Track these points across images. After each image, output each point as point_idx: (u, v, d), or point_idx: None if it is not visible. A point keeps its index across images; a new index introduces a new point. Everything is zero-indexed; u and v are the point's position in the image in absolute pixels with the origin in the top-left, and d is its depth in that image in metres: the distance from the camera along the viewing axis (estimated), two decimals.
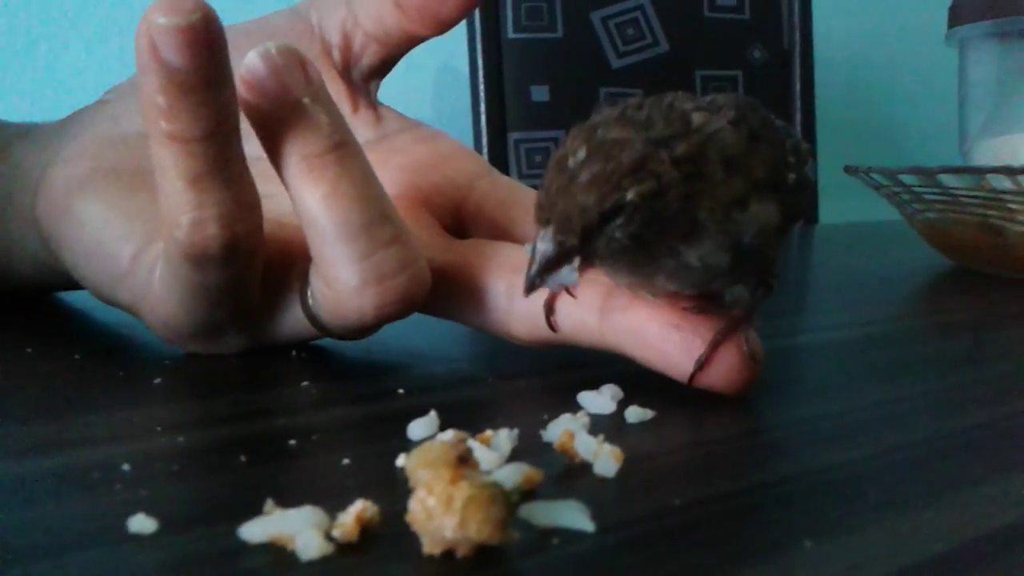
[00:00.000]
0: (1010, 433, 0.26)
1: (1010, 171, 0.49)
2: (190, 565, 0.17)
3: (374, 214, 0.27)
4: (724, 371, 0.26)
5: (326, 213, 0.27)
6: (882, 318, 0.47)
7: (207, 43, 0.25)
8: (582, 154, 0.23)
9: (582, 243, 0.23)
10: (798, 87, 1.32)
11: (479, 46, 1.15)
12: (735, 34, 1.29)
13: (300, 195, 0.27)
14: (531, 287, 0.24)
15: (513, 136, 1.17)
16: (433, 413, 0.25)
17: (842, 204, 1.24)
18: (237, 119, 0.27)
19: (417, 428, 0.24)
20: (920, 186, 0.57)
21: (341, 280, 0.28)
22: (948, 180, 0.54)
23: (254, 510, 0.18)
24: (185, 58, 0.25)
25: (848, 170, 0.61)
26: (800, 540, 0.18)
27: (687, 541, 0.18)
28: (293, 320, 0.32)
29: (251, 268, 0.30)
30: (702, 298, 0.27)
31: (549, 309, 0.29)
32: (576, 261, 0.24)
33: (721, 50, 1.28)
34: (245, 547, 0.17)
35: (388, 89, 0.37)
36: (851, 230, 1.03)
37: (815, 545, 0.18)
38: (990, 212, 0.52)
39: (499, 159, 1.14)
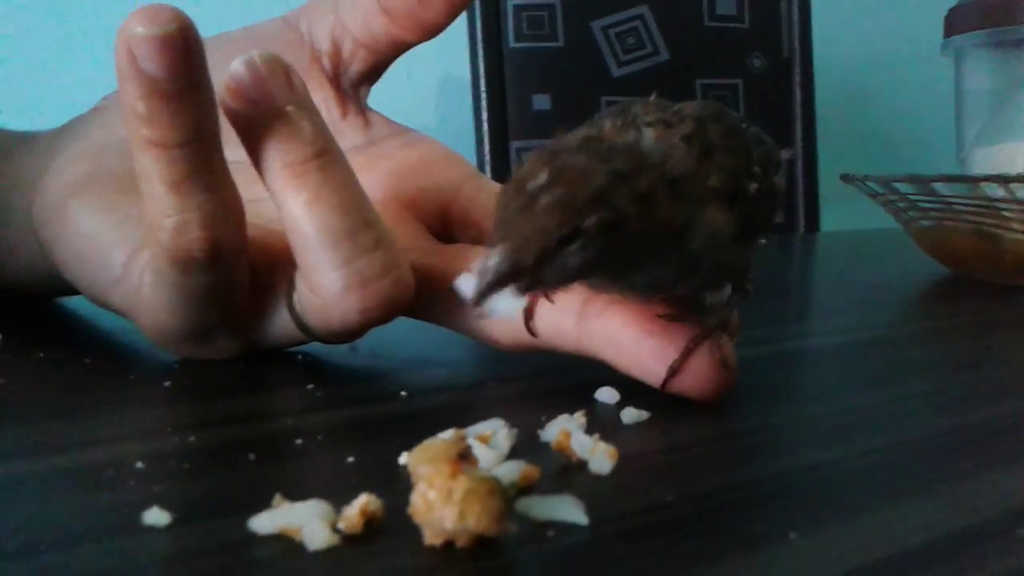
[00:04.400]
0: (997, 433, 0.27)
1: (1003, 179, 0.50)
2: (202, 555, 0.17)
3: (356, 220, 0.28)
4: (696, 377, 0.27)
5: (309, 219, 0.27)
6: (879, 324, 0.48)
7: (184, 52, 0.25)
8: (543, 178, 0.23)
9: (535, 264, 0.23)
10: (798, 95, 1.33)
11: (481, 55, 1.16)
12: (735, 42, 1.30)
13: (283, 201, 0.28)
14: (480, 298, 0.24)
15: (515, 144, 1.18)
16: None
17: (844, 212, 1.24)
18: (217, 125, 0.27)
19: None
20: (915, 194, 0.57)
21: (325, 285, 0.28)
22: (943, 188, 0.55)
23: (263, 504, 0.19)
24: (162, 67, 0.25)
25: (845, 178, 0.62)
26: (786, 532, 0.18)
27: (678, 534, 0.19)
28: (281, 324, 0.32)
29: (236, 271, 0.30)
30: (677, 304, 0.27)
31: (528, 314, 0.30)
32: (522, 285, 0.24)
33: (721, 58, 1.29)
34: (255, 538, 0.18)
35: (391, 98, 0.38)
36: (851, 238, 1.04)
37: (800, 537, 0.18)
38: (984, 220, 0.53)
39: (501, 168, 1.15)
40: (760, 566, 0.17)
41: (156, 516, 0.19)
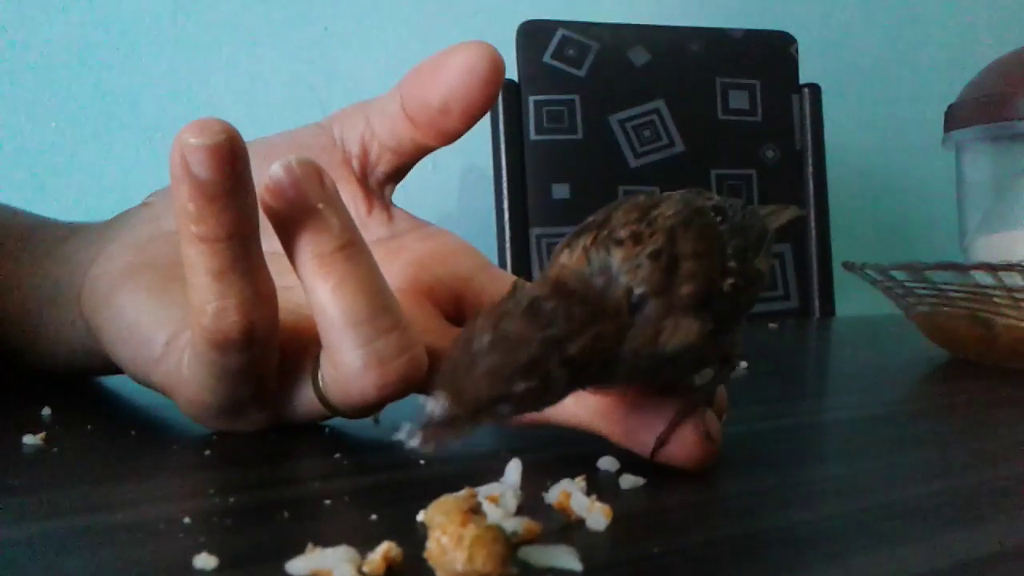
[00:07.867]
0: (966, 498, 0.29)
1: (992, 267, 0.52)
2: None
3: (376, 305, 0.31)
4: (682, 448, 0.29)
5: (334, 303, 0.31)
6: (880, 402, 0.50)
7: (230, 159, 0.29)
8: (486, 340, 0.26)
9: (470, 416, 0.26)
10: (811, 185, 1.37)
11: (503, 147, 1.21)
12: (749, 135, 1.34)
13: (312, 287, 0.31)
14: (424, 441, 0.26)
15: (535, 231, 1.22)
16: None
17: (859, 296, 1.27)
18: (257, 222, 0.31)
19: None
20: (911, 281, 0.60)
21: (346, 363, 0.31)
22: (937, 276, 0.57)
23: (297, 551, 0.22)
24: (211, 172, 0.29)
25: (846, 266, 0.65)
26: None
27: None
28: (306, 400, 0.35)
29: (268, 352, 0.33)
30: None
31: None
32: (459, 428, 0.26)
33: (735, 150, 1.33)
34: None
35: (418, 188, 0.42)
36: (862, 323, 1.06)
37: None
38: (977, 306, 0.56)
39: (521, 254, 1.19)
40: None
41: (205, 560, 0.22)
